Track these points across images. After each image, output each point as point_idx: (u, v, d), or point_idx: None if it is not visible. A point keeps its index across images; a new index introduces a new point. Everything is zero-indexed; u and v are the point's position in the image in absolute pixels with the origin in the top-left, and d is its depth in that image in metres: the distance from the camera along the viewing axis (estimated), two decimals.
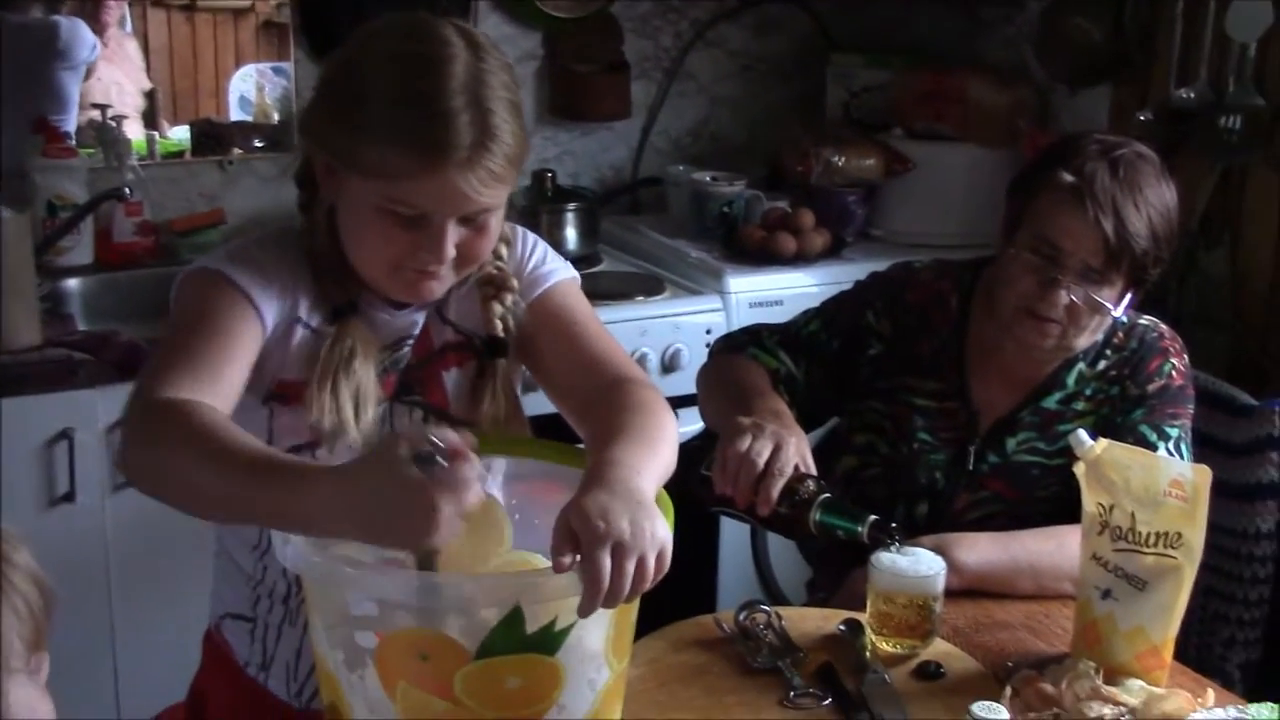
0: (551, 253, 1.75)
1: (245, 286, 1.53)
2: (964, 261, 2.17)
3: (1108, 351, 2.05)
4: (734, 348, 2.15)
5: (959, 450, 2.06)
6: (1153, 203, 1.92)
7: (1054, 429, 2.04)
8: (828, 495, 1.76)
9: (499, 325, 1.65)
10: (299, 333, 1.58)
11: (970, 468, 2.05)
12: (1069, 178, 1.91)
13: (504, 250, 1.68)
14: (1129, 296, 1.97)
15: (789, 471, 1.76)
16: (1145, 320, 2.09)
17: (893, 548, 1.73)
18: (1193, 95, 2.99)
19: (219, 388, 1.45)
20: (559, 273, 1.73)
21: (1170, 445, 1.99)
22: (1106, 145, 1.96)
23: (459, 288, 1.66)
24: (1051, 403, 2.05)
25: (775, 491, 1.75)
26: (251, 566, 1.67)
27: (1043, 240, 1.93)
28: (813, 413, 2.12)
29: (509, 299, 1.67)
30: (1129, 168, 1.92)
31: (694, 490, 1.89)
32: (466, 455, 1.24)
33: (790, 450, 1.78)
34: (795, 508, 1.76)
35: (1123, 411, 2.03)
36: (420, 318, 1.65)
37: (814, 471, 1.80)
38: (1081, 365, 2.05)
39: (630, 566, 1.24)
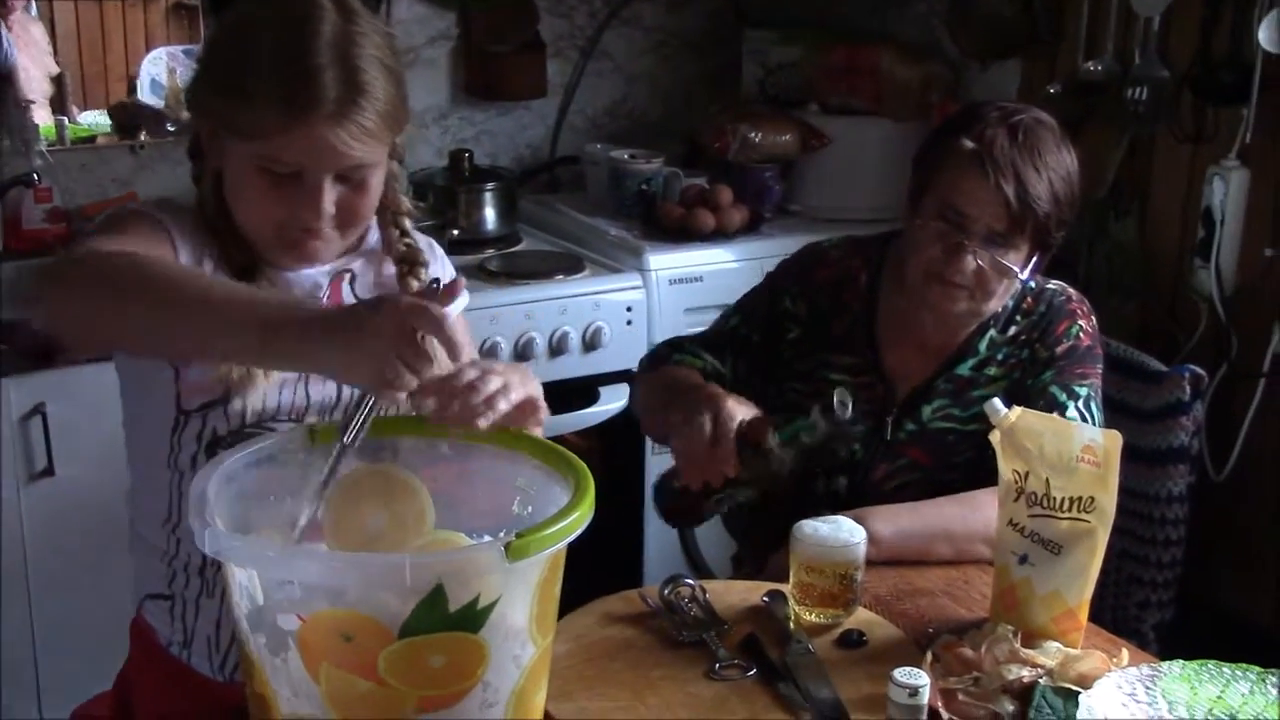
0: (453, 270, 1.80)
1: (166, 223, 1.58)
2: (872, 237, 2.20)
3: (1017, 317, 2.09)
4: (658, 360, 2.18)
5: (876, 422, 2.08)
6: (1053, 167, 1.95)
7: (968, 395, 2.07)
8: (773, 418, 1.79)
9: None
10: None
11: (888, 438, 2.08)
12: (970, 144, 1.95)
13: (406, 224, 1.72)
14: (1035, 260, 2.00)
15: (736, 420, 1.78)
16: (1053, 285, 2.12)
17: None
18: (1100, 68, 3.04)
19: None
20: (459, 305, 1.76)
21: (1080, 404, 2.03)
22: (1006, 112, 1.99)
23: (368, 271, 1.70)
24: (965, 369, 2.07)
25: (730, 439, 1.77)
26: (164, 542, 1.66)
27: (947, 207, 1.96)
28: None
29: (423, 274, 1.70)
30: (1028, 133, 1.95)
31: (671, 511, 1.96)
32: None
33: (729, 407, 1.80)
34: (757, 448, 1.78)
35: (1033, 374, 2.06)
36: (323, 280, 1.67)
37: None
38: (993, 331, 2.08)
39: (493, 382, 1.36)
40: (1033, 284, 2.07)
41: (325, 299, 1.67)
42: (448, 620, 1.23)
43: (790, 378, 2.13)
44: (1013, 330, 2.09)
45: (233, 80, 1.52)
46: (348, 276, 1.69)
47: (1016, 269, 1.96)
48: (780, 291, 2.15)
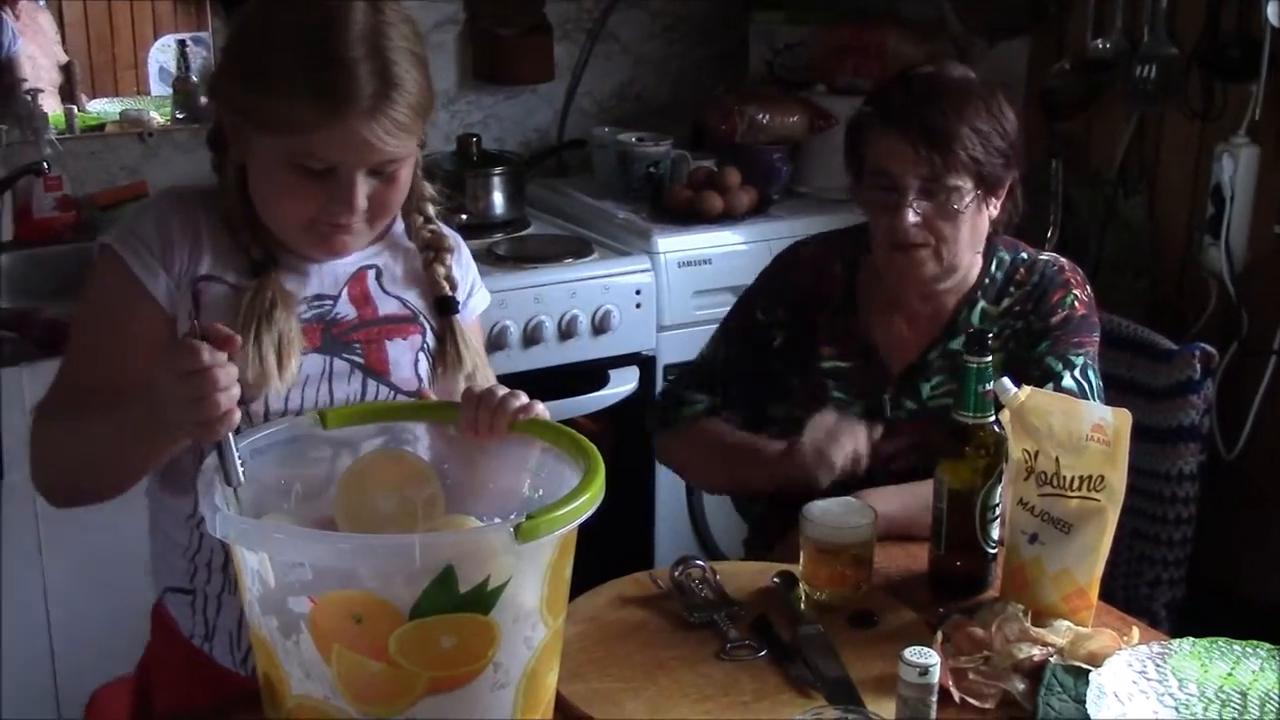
0: (478, 274, 1.82)
1: (133, 266, 1.57)
2: (845, 228, 2.23)
3: (1010, 289, 2.09)
4: (668, 423, 2.21)
5: (874, 402, 2.09)
6: (957, 104, 1.97)
7: None
8: None
9: (445, 285, 1.70)
10: (212, 289, 1.59)
11: (887, 415, 2.08)
12: (869, 108, 2.02)
13: (430, 210, 1.71)
14: (994, 201, 2.01)
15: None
16: (1046, 256, 2.13)
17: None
18: (1108, 45, 3.03)
19: (114, 376, 1.54)
20: (482, 303, 1.81)
21: (1076, 373, 2.03)
22: (905, 71, 2.05)
23: (395, 263, 1.70)
24: (958, 344, 2.04)
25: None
26: (186, 539, 1.66)
27: (877, 174, 1.99)
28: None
29: (448, 259, 1.71)
30: (922, 81, 2.00)
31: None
32: (234, 342, 1.36)
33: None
34: None
35: (1028, 345, 2.06)
36: (343, 271, 1.67)
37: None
38: (984, 304, 2.08)
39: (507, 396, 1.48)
40: (1024, 255, 2.08)
41: (345, 294, 1.66)
42: (458, 601, 1.23)
43: (788, 378, 2.13)
44: (1006, 302, 2.09)
45: (263, 75, 1.49)
46: (373, 272, 1.69)
47: (959, 206, 1.96)
48: (752, 306, 2.18)
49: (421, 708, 1.26)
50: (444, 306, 1.70)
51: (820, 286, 2.14)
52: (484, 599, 1.25)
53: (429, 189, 1.71)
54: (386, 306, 1.68)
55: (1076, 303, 2.08)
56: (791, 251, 2.21)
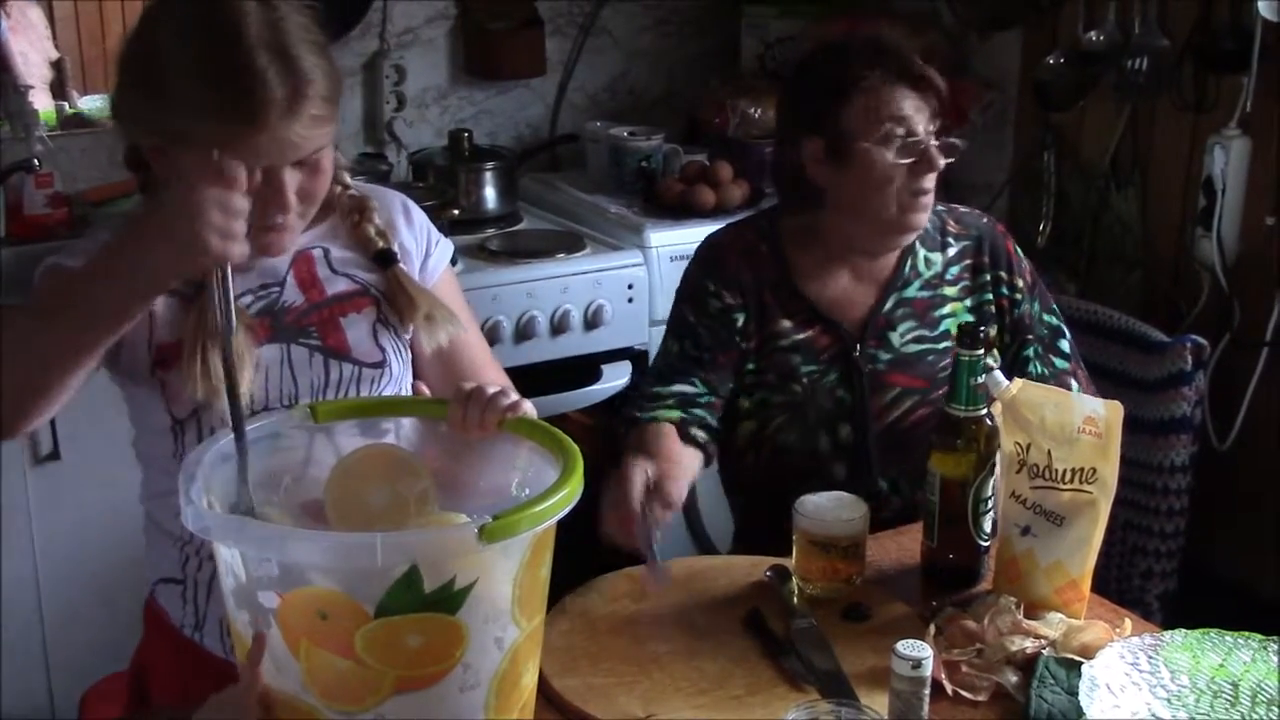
0: (433, 227, 1.81)
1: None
2: (751, 215, 2.27)
3: (950, 239, 2.15)
4: (630, 422, 2.03)
5: (846, 363, 2.08)
6: (906, 47, 2.08)
7: (931, 315, 2.11)
8: None
9: (378, 241, 1.72)
10: (163, 299, 1.59)
11: (865, 371, 2.08)
12: (865, 70, 2.00)
13: (345, 176, 1.73)
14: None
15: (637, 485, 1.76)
16: (964, 208, 2.21)
17: None
18: (1101, 38, 3.03)
19: None
20: (445, 253, 1.80)
21: (1063, 323, 2.18)
22: (852, 38, 2.18)
23: (337, 241, 1.71)
24: (913, 292, 2.11)
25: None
26: (179, 528, 1.66)
27: (891, 123, 1.98)
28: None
29: (375, 216, 1.72)
30: (883, 38, 2.10)
31: None
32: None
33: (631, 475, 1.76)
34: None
35: (1016, 304, 2.14)
36: (282, 261, 1.67)
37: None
38: (925, 252, 2.13)
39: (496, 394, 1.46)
40: (941, 208, 2.15)
41: (290, 279, 1.67)
42: (423, 601, 1.23)
43: (747, 362, 2.11)
44: (953, 250, 2.14)
45: (170, 96, 1.49)
46: (319, 252, 1.70)
47: (952, 152, 2.02)
48: (701, 297, 2.11)
49: (389, 706, 1.25)
50: (382, 259, 1.71)
51: (756, 265, 2.11)
52: (450, 599, 1.23)
53: (341, 158, 1.71)
54: (335, 286, 1.69)
55: (1022, 253, 2.17)
56: (710, 245, 2.17)
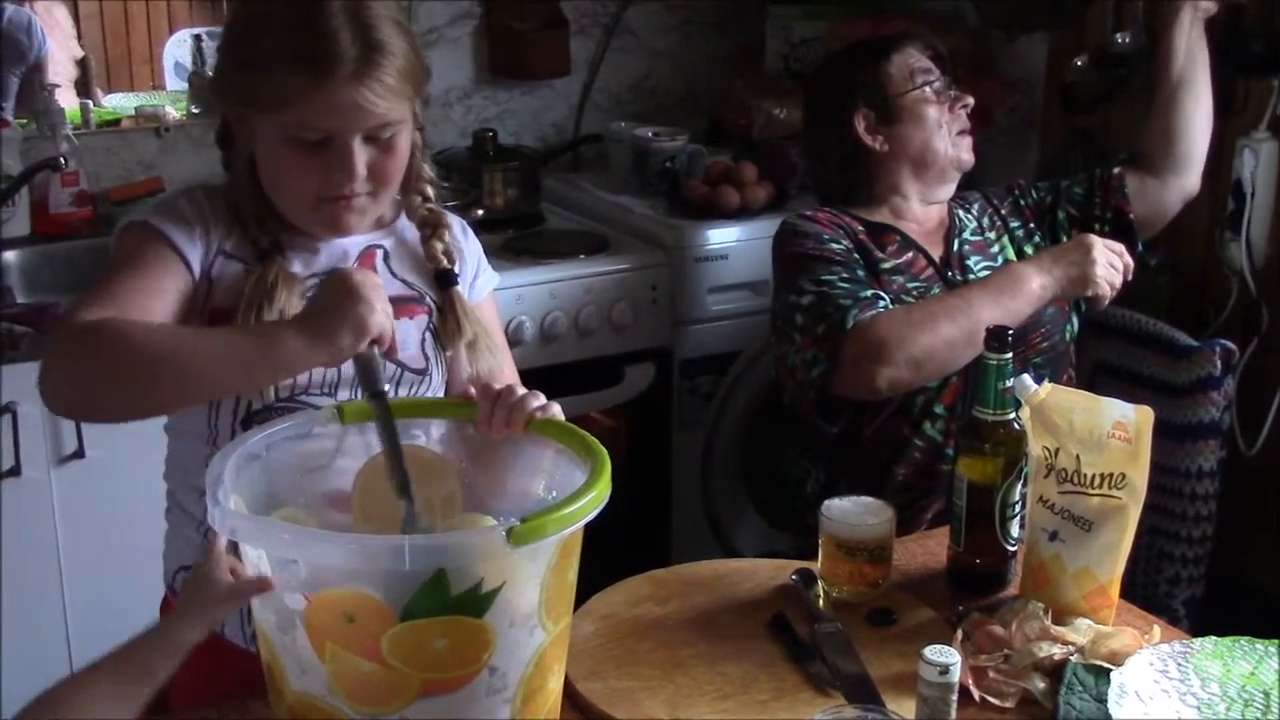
0: (484, 255, 1.86)
1: (169, 233, 1.60)
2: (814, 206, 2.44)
3: (967, 205, 2.41)
4: (861, 311, 2.16)
5: (942, 281, 2.28)
6: None
7: (989, 251, 2.36)
8: None
9: (443, 260, 1.74)
10: (227, 265, 1.63)
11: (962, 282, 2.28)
12: (904, 48, 2.35)
13: (429, 190, 1.75)
14: None
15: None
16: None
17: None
18: (1128, 40, 3.01)
19: (140, 315, 1.51)
20: (490, 282, 1.84)
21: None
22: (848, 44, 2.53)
23: (400, 247, 1.73)
24: (969, 235, 2.37)
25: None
26: (203, 512, 1.67)
27: (923, 71, 2.31)
28: None
29: (446, 235, 1.75)
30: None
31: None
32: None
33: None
34: None
35: (1022, 206, 2.42)
36: (352, 250, 1.69)
37: None
38: (960, 212, 2.39)
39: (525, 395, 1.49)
40: None
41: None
42: (450, 604, 1.22)
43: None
44: (974, 209, 2.41)
45: (251, 56, 1.56)
46: (380, 253, 1.72)
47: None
48: (830, 240, 2.24)
49: (415, 710, 1.25)
50: (442, 279, 1.74)
51: (844, 223, 2.29)
52: (477, 602, 1.23)
53: (428, 171, 1.75)
54: (392, 288, 1.69)
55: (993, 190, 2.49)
56: (798, 217, 2.32)
